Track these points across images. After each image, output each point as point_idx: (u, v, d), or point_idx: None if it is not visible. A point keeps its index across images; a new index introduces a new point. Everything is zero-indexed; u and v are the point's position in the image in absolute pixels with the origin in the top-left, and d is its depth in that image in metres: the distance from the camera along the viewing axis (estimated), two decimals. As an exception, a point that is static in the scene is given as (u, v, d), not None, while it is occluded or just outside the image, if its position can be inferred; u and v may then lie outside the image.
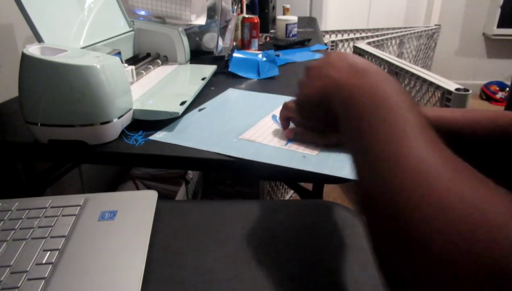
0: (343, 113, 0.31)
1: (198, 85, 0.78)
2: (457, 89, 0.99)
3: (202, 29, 1.02)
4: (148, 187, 1.16)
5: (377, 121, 0.27)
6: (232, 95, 0.83)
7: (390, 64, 1.39)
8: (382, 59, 1.44)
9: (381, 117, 0.27)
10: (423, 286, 0.20)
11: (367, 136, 0.27)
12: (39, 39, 0.59)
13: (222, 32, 1.04)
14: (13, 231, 0.40)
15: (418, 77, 1.19)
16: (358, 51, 1.66)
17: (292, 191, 1.66)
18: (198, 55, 1.01)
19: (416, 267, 0.21)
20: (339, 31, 2.28)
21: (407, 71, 1.27)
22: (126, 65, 0.75)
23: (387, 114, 0.27)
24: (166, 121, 0.66)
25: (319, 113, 0.39)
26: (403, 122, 0.26)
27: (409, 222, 0.21)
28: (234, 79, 0.95)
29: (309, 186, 1.30)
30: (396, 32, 1.99)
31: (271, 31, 1.58)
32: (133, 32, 0.89)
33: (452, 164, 0.23)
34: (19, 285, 0.33)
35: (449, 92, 1.02)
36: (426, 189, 0.22)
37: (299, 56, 1.21)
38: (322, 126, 0.40)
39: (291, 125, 0.61)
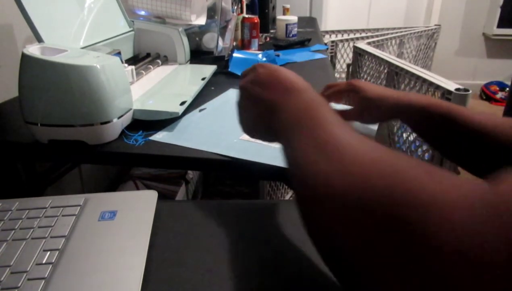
0: (282, 129, 0.34)
1: (198, 86, 0.78)
2: (457, 89, 0.99)
3: (202, 29, 1.02)
4: (148, 187, 1.16)
5: (305, 128, 0.31)
6: (233, 96, 0.83)
7: (390, 64, 1.39)
8: (382, 59, 1.44)
9: (309, 125, 0.31)
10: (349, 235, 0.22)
11: (296, 136, 0.31)
12: (39, 39, 0.59)
13: (222, 32, 1.04)
14: (13, 231, 0.40)
15: (418, 77, 1.19)
16: (358, 51, 1.66)
17: (292, 191, 1.66)
18: (198, 55, 1.01)
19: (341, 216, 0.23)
20: (339, 31, 2.28)
21: (407, 71, 1.27)
22: (126, 65, 0.75)
23: (314, 121, 0.31)
24: (166, 121, 0.66)
25: (261, 132, 0.41)
26: (325, 120, 0.30)
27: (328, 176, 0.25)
28: (234, 79, 0.95)
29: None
30: (396, 32, 1.99)
31: (271, 31, 1.58)
32: (133, 32, 0.89)
33: (365, 141, 0.27)
34: (19, 285, 0.33)
35: (449, 92, 1.02)
36: (344, 156, 0.25)
37: (299, 56, 1.21)
38: (269, 140, 0.43)
39: None
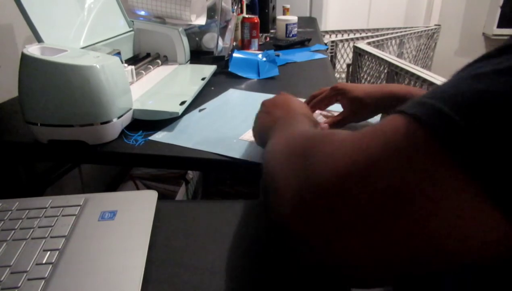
0: (270, 135, 0.44)
1: (198, 85, 0.78)
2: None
3: (202, 29, 1.02)
4: (148, 187, 1.16)
5: (280, 130, 0.42)
6: (233, 96, 0.83)
7: (390, 64, 1.39)
8: (382, 59, 1.44)
9: (287, 127, 0.42)
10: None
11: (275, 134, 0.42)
12: (39, 39, 0.59)
13: (222, 32, 1.04)
14: (13, 231, 0.40)
15: (418, 77, 1.19)
16: (358, 51, 1.66)
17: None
18: (198, 55, 1.01)
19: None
20: (339, 31, 2.28)
21: (407, 71, 1.27)
22: (126, 65, 0.75)
23: (292, 124, 0.43)
24: (166, 121, 0.66)
25: (263, 138, 0.50)
26: (300, 125, 0.42)
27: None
28: (234, 79, 0.95)
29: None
30: (396, 32, 1.99)
31: (271, 31, 1.58)
32: (133, 32, 0.89)
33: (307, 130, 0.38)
34: (19, 285, 0.33)
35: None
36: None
37: (299, 56, 1.20)
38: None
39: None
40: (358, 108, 0.62)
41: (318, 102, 0.65)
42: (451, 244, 0.21)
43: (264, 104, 0.54)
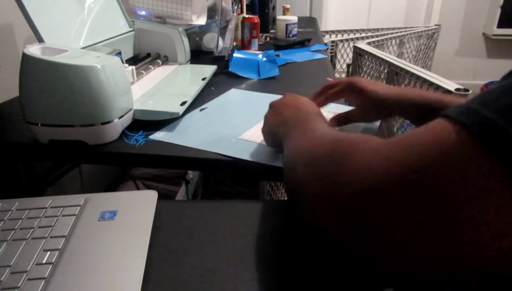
0: (283, 136, 0.45)
1: (198, 86, 0.78)
2: (457, 89, 0.99)
3: (202, 29, 1.02)
4: (148, 187, 1.16)
5: (298, 132, 0.42)
6: (234, 95, 0.83)
7: (390, 64, 1.39)
8: (382, 59, 1.44)
9: (303, 128, 0.42)
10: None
11: (292, 136, 0.42)
12: (39, 39, 0.59)
13: (222, 32, 1.04)
14: (13, 231, 0.40)
15: (418, 77, 1.19)
16: (358, 51, 1.66)
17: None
18: (198, 55, 1.01)
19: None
20: (339, 31, 2.27)
21: (407, 71, 1.27)
22: (126, 65, 0.75)
23: (308, 125, 0.42)
24: (167, 121, 0.66)
25: (273, 140, 0.52)
26: (317, 125, 0.41)
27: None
28: (235, 80, 0.95)
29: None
30: (396, 32, 1.99)
31: (271, 31, 1.58)
32: (133, 32, 0.89)
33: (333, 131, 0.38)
34: (19, 285, 0.33)
35: (449, 92, 1.02)
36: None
37: (299, 56, 1.20)
38: (278, 149, 0.53)
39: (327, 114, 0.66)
40: (371, 108, 0.58)
41: (332, 95, 0.60)
42: (498, 255, 0.21)
43: (272, 105, 0.54)
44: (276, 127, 0.49)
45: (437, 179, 0.21)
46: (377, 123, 0.66)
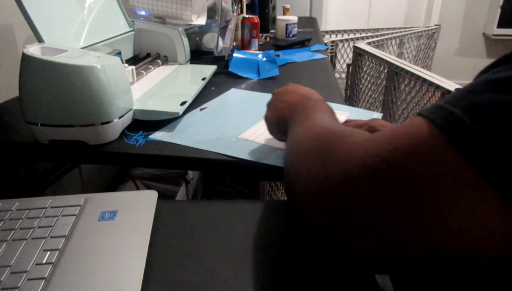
0: (290, 122, 0.45)
1: (198, 86, 0.78)
2: (457, 89, 1.00)
3: (202, 29, 1.02)
4: (148, 187, 1.16)
5: (305, 119, 0.43)
6: (234, 95, 0.83)
7: (390, 64, 1.39)
8: (382, 59, 1.44)
9: (307, 116, 0.43)
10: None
11: (298, 125, 0.43)
12: (39, 39, 0.59)
13: (222, 32, 1.04)
14: (13, 231, 0.40)
15: (418, 77, 1.19)
16: (358, 51, 1.66)
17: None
18: (198, 55, 1.01)
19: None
20: (339, 31, 2.28)
21: (407, 71, 1.27)
22: (126, 65, 0.75)
23: (311, 114, 0.43)
24: (167, 121, 0.66)
25: (279, 127, 0.51)
26: (318, 114, 0.42)
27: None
28: (235, 80, 0.95)
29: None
30: (396, 32, 1.99)
31: (271, 31, 1.58)
32: (133, 32, 0.89)
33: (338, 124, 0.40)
34: (19, 285, 0.33)
35: (449, 92, 1.02)
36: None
37: (299, 56, 1.20)
38: (283, 136, 0.51)
39: None
40: None
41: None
42: (471, 239, 0.22)
43: (276, 92, 0.54)
44: (281, 113, 0.49)
45: (406, 169, 0.23)
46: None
